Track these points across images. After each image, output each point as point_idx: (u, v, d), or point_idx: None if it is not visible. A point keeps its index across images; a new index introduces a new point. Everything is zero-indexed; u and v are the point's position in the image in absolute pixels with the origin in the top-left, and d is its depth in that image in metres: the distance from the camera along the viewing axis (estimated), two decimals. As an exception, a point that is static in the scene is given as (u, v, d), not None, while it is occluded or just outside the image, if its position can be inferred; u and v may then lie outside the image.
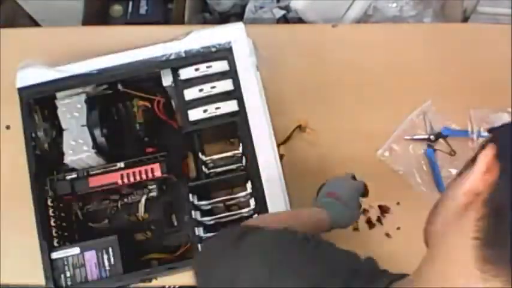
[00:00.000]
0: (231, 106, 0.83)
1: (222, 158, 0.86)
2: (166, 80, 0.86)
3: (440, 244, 0.38)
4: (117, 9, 1.37)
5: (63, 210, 0.84)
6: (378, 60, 1.00)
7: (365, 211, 0.91)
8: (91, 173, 0.83)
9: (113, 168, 0.83)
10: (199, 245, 0.80)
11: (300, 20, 1.19)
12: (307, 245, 0.51)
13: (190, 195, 0.83)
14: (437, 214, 0.40)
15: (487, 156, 0.35)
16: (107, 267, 0.79)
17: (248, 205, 0.82)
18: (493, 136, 0.38)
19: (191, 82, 0.85)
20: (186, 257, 0.84)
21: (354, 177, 0.84)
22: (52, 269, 0.79)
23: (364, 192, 0.83)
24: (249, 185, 0.81)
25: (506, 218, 0.32)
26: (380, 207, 0.92)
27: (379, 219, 0.91)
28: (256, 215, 0.79)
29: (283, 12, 1.21)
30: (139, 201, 0.87)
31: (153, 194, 0.87)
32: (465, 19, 1.21)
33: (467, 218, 0.35)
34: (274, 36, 1.03)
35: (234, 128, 0.84)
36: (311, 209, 0.75)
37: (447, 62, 1.00)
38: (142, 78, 0.86)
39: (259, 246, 0.51)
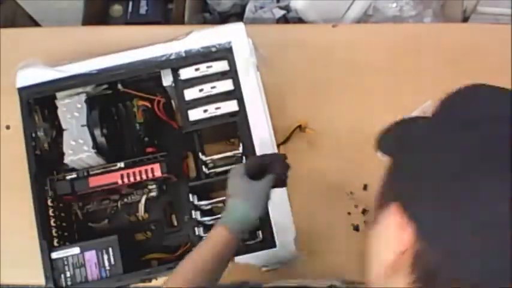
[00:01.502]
0: (231, 106, 0.83)
1: (222, 158, 0.86)
2: (166, 80, 0.86)
3: None
4: (117, 9, 1.37)
5: (63, 210, 0.84)
6: (378, 60, 1.00)
7: (365, 211, 0.91)
8: (91, 173, 0.83)
9: (113, 168, 0.83)
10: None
11: (300, 20, 1.19)
12: None
13: (190, 195, 0.83)
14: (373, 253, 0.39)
15: (394, 219, 0.35)
16: (107, 267, 0.79)
17: (248, 205, 0.82)
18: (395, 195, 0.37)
19: (191, 82, 0.85)
20: (186, 257, 0.85)
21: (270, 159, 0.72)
22: (52, 269, 0.79)
23: (281, 176, 0.70)
24: (249, 185, 0.81)
25: (435, 277, 0.33)
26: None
27: (379, 219, 0.91)
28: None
29: (283, 12, 1.21)
30: (139, 201, 0.87)
31: (153, 194, 0.87)
32: (465, 19, 1.21)
33: (399, 277, 0.35)
34: (274, 36, 1.03)
35: (234, 128, 0.84)
36: (208, 236, 0.65)
37: (447, 62, 1.00)
38: (142, 78, 0.86)
39: None
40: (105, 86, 0.88)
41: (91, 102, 0.85)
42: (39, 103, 0.85)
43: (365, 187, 0.93)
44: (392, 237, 0.35)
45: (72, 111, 0.84)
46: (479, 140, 0.33)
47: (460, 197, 0.32)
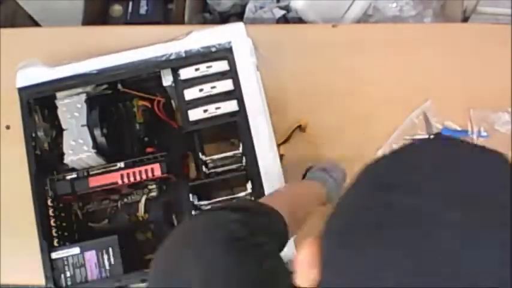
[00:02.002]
0: (231, 106, 0.83)
1: (222, 158, 0.86)
2: (166, 80, 0.86)
3: None
4: (117, 9, 1.37)
5: (63, 210, 0.84)
6: (377, 60, 1.00)
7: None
8: (91, 173, 0.83)
9: (113, 168, 0.83)
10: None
11: (300, 20, 1.19)
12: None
13: (190, 195, 0.83)
14: None
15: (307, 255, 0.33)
16: (107, 267, 0.79)
17: (248, 205, 0.82)
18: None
19: (191, 82, 0.85)
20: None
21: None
22: (52, 269, 0.78)
23: None
24: (249, 185, 0.81)
25: None
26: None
27: (379, 219, 0.91)
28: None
29: (283, 12, 1.21)
30: (139, 201, 0.87)
31: (153, 194, 0.87)
32: (465, 19, 1.21)
33: None
34: (274, 36, 1.03)
35: (234, 128, 0.84)
36: (309, 182, 0.79)
37: (447, 62, 1.00)
38: (142, 78, 0.86)
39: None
40: (105, 86, 0.88)
41: (91, 102, 0.85)
42: (39, 103, 0.85)
43: (365, 187, 0.93)
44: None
45: (72, 111, 0.84)
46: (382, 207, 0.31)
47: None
